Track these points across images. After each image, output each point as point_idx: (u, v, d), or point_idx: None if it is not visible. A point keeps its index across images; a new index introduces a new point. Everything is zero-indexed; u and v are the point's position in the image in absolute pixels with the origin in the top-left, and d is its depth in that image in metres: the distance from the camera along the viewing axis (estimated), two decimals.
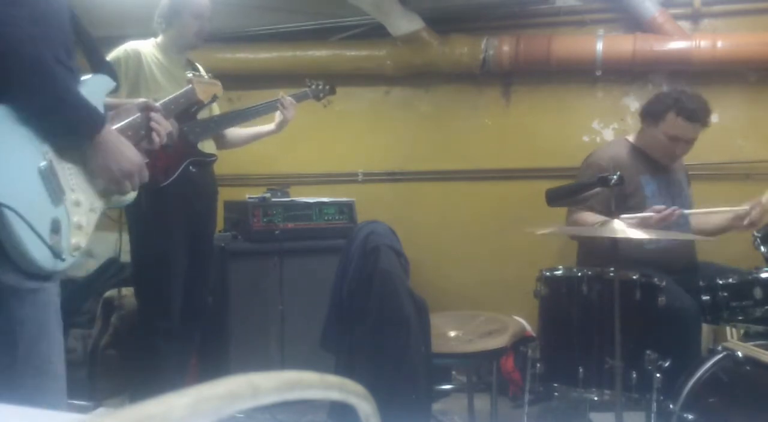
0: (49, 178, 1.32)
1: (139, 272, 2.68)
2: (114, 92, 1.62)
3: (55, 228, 1.32)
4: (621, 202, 2.41)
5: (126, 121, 1.61)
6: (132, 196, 1.60)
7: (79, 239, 1.40)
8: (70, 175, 1.39)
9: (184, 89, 2.36)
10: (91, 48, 1.56)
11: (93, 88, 1.48)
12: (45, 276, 1.33)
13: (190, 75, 2.43)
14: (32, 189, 1.28)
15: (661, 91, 2.75)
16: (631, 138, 2.82)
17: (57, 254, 1.30)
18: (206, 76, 2.56)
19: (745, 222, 2.55)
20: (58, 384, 1.38)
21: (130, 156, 1.48)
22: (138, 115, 1.64)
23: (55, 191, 1.33)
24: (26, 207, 1.24)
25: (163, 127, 1.66)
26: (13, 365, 1.29)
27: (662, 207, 2.41)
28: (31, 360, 1.31)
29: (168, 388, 0.29)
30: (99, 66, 1.57)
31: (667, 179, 2.74)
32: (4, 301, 1.28)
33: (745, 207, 2.55)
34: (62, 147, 1.38)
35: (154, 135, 1.64)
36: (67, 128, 1.38)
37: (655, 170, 2.70)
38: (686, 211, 2.55)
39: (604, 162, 2.65)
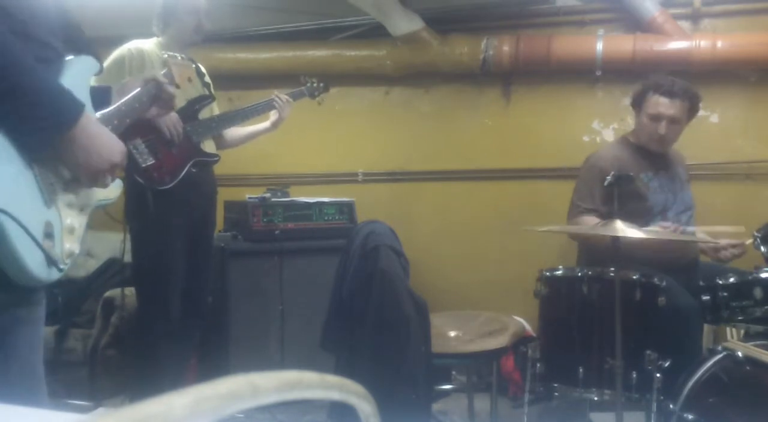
0: (41, 174, 1.18)
1: (139, 272, 2.68)
2: (98, 74, 1.44)
3: (49, 232, 1.18)
4: (626, 200, 2.44)
5: (128, 96, 1.51)
6: (116, 194, 1.44)
7: (72, 245, 1.26)
8: (60, 170, 1.24)
9: (163, 71, 2.10)
10: (74, 30, 1.39)
11: (77, 70, 1.31)
12: (32, 288, 1.21)
13: (165, 55, 2.27)
14: (27, 188, 1.15)
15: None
16: (631, 137, 2.85)
17: (53, 261, 1.18)
18: (179, 57, 2.30)
19: (720, 254, 2.64)
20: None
21: (112, 144, 1.27)
22: (139, 88, 1.54)
23: (47, 190, 1.19)
24: (21, 209, 1.11)
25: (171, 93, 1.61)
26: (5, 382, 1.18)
27: (668, 223, 2.52)
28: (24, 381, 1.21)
29: (168, 388, 0.29)
30: (83, 48, 1.38)
31: (668, 175, 2.77)
32: None
33: (732, 241, 2.62)
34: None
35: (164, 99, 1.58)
36: (34, 121, 1.14)
37: (656, 167, 2.73)
38: (690, 228, 2.65)
39: (605, 162, 2.66)
